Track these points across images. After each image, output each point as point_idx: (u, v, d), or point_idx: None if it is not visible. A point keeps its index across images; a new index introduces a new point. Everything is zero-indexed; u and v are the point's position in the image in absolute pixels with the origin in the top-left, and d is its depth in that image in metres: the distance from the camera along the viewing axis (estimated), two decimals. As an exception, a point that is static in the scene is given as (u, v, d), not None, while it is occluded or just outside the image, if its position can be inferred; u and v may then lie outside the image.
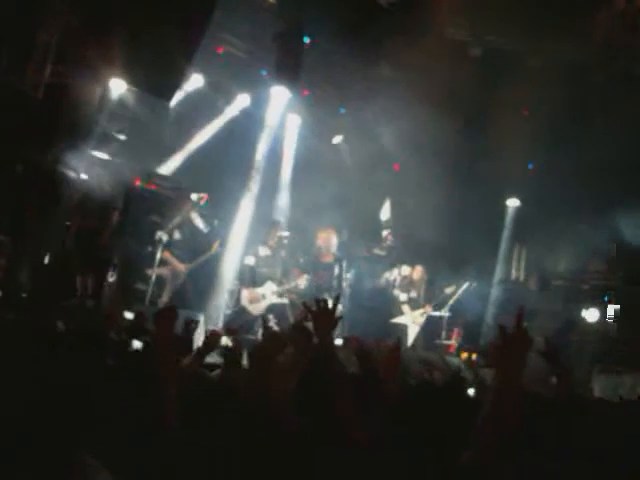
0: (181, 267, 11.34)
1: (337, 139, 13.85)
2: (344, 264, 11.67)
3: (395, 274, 12.32)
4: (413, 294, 12.00)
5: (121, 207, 11.18)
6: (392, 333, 11.56)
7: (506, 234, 13.81)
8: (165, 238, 11.05)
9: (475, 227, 12.85)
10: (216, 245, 11.45)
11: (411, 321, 11.79)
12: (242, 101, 12.87)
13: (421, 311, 11.80)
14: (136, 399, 3.64)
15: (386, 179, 13.86)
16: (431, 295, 12.14)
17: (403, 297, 11.96)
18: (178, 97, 11.58)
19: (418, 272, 12.16)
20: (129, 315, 9.27)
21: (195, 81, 12.17)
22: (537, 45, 10.87)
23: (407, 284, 12.09)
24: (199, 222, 11.49)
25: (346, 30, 10.99)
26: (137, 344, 6.25)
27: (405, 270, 12.25)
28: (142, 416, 3.52)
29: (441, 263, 12.68)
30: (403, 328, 11.75)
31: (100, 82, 10.61)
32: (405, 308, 11.88)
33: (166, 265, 11.20)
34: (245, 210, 12.51)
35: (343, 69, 11.83)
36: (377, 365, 4.84)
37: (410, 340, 11.61)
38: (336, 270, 11.58)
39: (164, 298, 11.05)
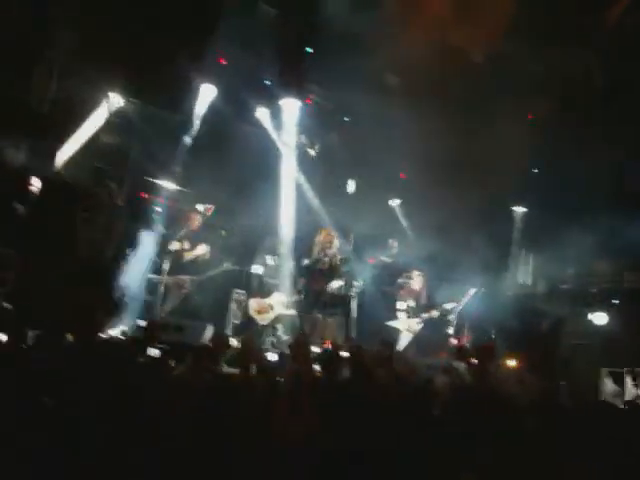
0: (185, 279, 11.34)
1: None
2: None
3: (406, 279, 12.25)
4: (411, 303, 11.95)
5: (127, 219, 11.23)
6: (386, 336, 11.53)
7: (515, 240, 13.74)
8: (176, 248, 11.08)
9: (481, 233, 12.86)
10: (228, 264, 11.45)
11: (405, 328, 11.75)
12: (261, 116, 12.83)
13: (417, 320, 11.75)
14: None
15: (393, 187, 13.91)
16: (432, 304, 12.06)
17: (401, 305, 11.91)
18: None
19: (418, 281, 12.11)
20: (142, 324, 9.33)
21: (210, 92, 12.15)
22: (539, 50, 10.88)
23: (407, 292, 12.04)
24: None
25: (347, 39, 11.04)
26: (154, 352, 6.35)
27: (416, 276, 12.19)
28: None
29: (446, 269, 12.67)
30: (396, 332, 11.71)
31: (104, 96, 10.71)
32: (401, 315, 11.84)
33: (171, 275, 11.17)
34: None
35: (345, 78, 11.83)
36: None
37: (401, 346, 11.52)
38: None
39: (167, 307, 11.05)
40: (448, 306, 11.79)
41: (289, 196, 12.74)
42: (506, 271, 13.75)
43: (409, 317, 11.79)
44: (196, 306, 11.16)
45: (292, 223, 12.56)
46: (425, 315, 11.79)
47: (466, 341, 11.96)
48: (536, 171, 13.17)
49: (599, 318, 12.07)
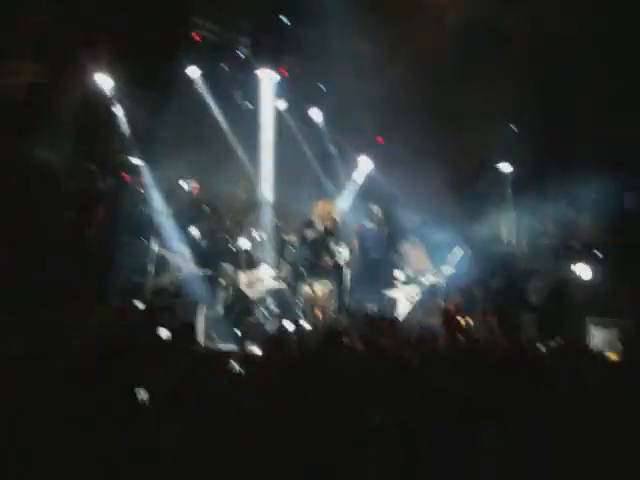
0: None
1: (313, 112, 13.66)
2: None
3: (405, 248, 12.29)
4: (410, 272, 12.00)
5: (110, 201, 11.16)
6: (383, 305, 11.58)
7: (499, 198, 13.70)
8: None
9: (464, 192, 12.95)
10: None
11: (403, 297, 11.79)
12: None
13: (416, 288, 11.79)
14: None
15: (371, 153, 13.90)
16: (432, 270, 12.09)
17: (399, 274, 11.94)
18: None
19: (420, 249, 12.16)
20: (140, 305, 9.34)
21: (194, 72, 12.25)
22: (517, 12, 10.87)
23: (411, 260, 12.09)
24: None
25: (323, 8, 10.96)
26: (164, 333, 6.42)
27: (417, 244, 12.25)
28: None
29: (431, 231, 12.72)
30: (393, 302, 11.79)
31: (84, 79, 10.54)
32: (399, 284, 11.89)
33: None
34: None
35: (322, 47, 11.73)
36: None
37: (400, 314, 11.56)
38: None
39: (165, 280, 11.06)
40: (446, 270, 11.83)
41: (269, 168, 12.73)
42: (490, 229, 13.78)
43: (406, 285, 11.84)
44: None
45: (273, 195, 12.59)
46: (427, 282, 11.82)
47: (456, 304, 12.07)
48: (514, 128, 13.17)
49: (583, 271, 12.17)
